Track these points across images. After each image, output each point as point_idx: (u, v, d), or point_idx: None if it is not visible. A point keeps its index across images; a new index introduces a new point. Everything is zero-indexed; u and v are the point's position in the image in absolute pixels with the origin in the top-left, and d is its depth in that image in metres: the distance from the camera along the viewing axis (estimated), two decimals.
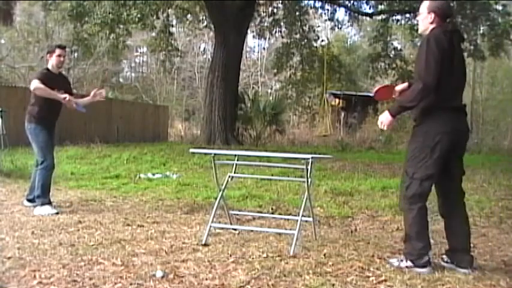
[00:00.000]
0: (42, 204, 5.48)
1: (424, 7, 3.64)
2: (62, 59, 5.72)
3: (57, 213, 5.43)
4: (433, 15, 3.58)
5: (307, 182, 4.21)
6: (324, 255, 3.92)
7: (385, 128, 3.66)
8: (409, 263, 3.51)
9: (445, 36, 3.50)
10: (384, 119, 3.60)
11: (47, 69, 5.73)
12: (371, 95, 3.82)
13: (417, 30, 3.87)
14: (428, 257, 3.53)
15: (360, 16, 20.73)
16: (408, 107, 3.54)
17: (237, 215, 5.33)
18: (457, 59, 3.56)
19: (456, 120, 3.58)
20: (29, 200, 5.77)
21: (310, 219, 4.50)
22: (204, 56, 34.32)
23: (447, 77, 3.46)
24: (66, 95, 5.54)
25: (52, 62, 5.69)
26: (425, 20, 3.62)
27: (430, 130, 3.49)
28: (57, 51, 5.68)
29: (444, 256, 3.73)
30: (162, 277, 3.28)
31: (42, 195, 5.52)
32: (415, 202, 3.51)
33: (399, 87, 3.97)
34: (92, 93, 6.03)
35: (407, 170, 3.58)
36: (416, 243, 3.51)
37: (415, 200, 3.51)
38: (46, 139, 5.59)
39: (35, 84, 5.49)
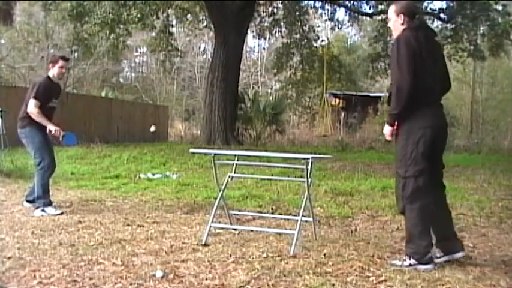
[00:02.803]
0: (44, 205, 5.47)
1: (391, 12, 3.74)
2: (63, 70, 5.75)
3: (62, 213, 5.43)
4: (402, 16, 3.67)
5: (307, 182, 4.21)
6: (324, 255, 3.92)
7: (390, 138, 3.71)
8: (413, 261, 3.53)
9: (412, 33, 3.57)
10: (386, 130, 3.70)
11: (48, 77, 5.70)
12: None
13: None
14: (431, 254, 3.57)
15: (360, 16, 20.73)
16: (396, 113, 3.58)
17: (237, 215, 5.33)
18: (428, 55, 3.57)
19: (436, 115, 3.64)
20: (29, 201, 5.75)
21: (310, 219, 4.50)
22: (204, 56, 34.33)
23: (422, 73, 3.50)
24: (56, 128, 5.49)
25: (54, 72, 5.67)
26: (396, 23, 3.70)
27: (413, 126, 3.55)
28: (60, 62, 5.67)
29: (436, 251, 3.70)
30: (162, 277, 3.28)
31: (43, 196, 5.50)
32: (415, 200, 3.53)
33: None
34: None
35: (399, 170, 3.62)
36: (421, 242, 3.53)
37: (414, 198, 3.53)
38: (42, 139, 5.57)
39: (32, 106, 5.47)
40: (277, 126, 18.99)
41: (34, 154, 5.59)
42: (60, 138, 5.56)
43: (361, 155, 14.28)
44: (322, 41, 21.67)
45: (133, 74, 38.66)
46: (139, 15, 14.37)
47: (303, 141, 19.76)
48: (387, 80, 21.59)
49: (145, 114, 21.46)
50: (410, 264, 3.53)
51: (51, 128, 5.47)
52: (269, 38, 25.47)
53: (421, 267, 3.51)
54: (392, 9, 3.75)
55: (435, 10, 17.76)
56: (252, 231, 4.69)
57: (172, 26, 21.76)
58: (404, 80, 3.46)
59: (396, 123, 3.65)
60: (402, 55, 3.47)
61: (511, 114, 25.78)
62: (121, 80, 37.63)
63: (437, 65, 3.68)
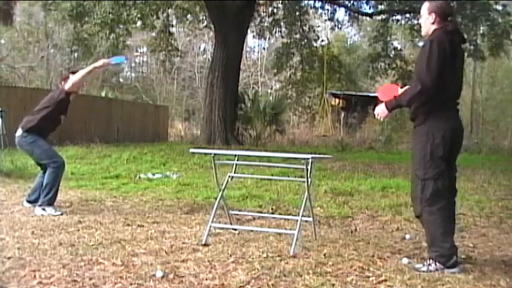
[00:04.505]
0: (48, 204, 5.46)
1: (424, 9, 3.68)
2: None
3: (62, 214, 5.42)
4: (433, 15, 3.61)
5: (307, 182, 4.21)
6: (324, 255, 3.92)
7: (380, 119, 3.77)
8: (439, 265, 3.46)
9: (447, 36, 3.55)
10: (380, 111, 3.70)
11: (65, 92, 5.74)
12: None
13: (417, 30, 3.92)
14: (457, 257, 3.51)
15: (360, 16, 20.73)
16: (404, 105, 3.64)
17: (237, 215, 5.33)
18: (458, 59, 3.60)
19: (455, 119, 3.63)
20: (29, 201, 5.74)
21: (310, 219, 4.50)
22: (204, 56, 34.31)
23: (449, 77, 3.49)
24: (103, 61, 5.67)
25: (69, 85, 5.71)
26: (426, 21, 3.66)
27: (432, 129, 3.51)
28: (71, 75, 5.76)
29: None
30: (162, 277, 3.28)
31: (52, 195, 5.48)
32: (434, 203, 3.47)
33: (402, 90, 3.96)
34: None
35: (417, 173, 3.56)
36: (444, 244, 3.47)
37: (433, 200, 3.47)
38: (46, 142, 5.63)
39: (74, 77, 5.55)
40: (277, 126, 18.99)
41: (43, 157, 5.59)
42: (113, 62, 5.73)
43: (361, 155, 14.27)
44: (322, 41, 21.67)
45: (133, 74, 38.65)
46: (139, 15, 14.39)
47: (303, 141, 19.74)
48: (387, 80, 21.59)
49: (145, 114, 21.45)
50: (437, 269, 3.46)
51: (97, 64, 5.59)
52: (269, 38, 25.47)
53: (447, 270, 3.44)
54: (425, 6, 3.69)
55: None
56: (252, 231, 4.69)
57: (172, 26, 21.76)
58: (430, 80, 3.43)
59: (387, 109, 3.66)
60: (433, 56, 3.45)
61: (511, 114, 25.80)
62: (121, 80, 37.60)
63: (460, 71, 3.68)
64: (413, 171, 3.63)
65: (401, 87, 3.87)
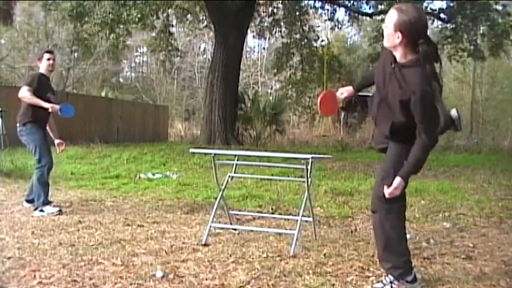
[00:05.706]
0: (43, 204, 5.47)
1: (390, 21, 2.92)
2: (51, 61, 5.77)
3: (60, 211, 5.43)
4: (400, 35, 2.89)
5: (307, 182, 4.21)
6: (324, 255, 3.92)
7: (397, 193, 3.05)
8: (396, 283, 3.09)
9: (430, 80, 2.92)
10: (398, 186, 3.01)
11: (41, 73, 5.76)
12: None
13: None
14: (415, 271, 3.19)
15: (360, 16, 20.74)
16: (420, 166, 3.06)
17: (237, 215, 5.33)
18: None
19: None
20: (28, 201, 5.75)
21: (310, 219, 4.50)
22: (204, 56, 34.35)
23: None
24: (51, 105, 5.55)
25: (43, 67, 5.75)
26: (390, 37, 2.95)
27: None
28: (46, 55, 5.77)
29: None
30: (162, 277, 3.28)
31: (42, 195, 5.50)
32: (396, 200, 3.12)
33: (342, 93, 3.57)
34: (57, 142, 5.96)
35: (396, 166, 3.11)
36: (399, 249, 3.14)
37: (396, 198, 3.10)
38: (42, 137, 5.61)
39: (23, 92, 5.52)
40: (277, 126, 19.01)
41: (34, 152, 5.59)
42: (59, 112, 5.62)
43: (361, 155, 14.28)
44: (322, 41, 21.67)
45: (133, 74, 38.72)
46: (139, 15, 14.39)
47: (303, 141, 19.76)
48: None
49: (145, 114, 21.47)
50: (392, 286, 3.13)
51: (46, 106, 5.51)
52: (269, 38, 25.49)
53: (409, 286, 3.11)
54: (391, 18, 2.92)
55: (435, 10, 17.78)
56: (252, 231, 4.69)
57: (172, 26, 21.80)
58: (434, 133, 3.01)
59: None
60: (430, 108, 2.93)
61: (511, 114, 25.80)
62: (121, 80, 37.65)
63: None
64: (392, 165, 3.18)
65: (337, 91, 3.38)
